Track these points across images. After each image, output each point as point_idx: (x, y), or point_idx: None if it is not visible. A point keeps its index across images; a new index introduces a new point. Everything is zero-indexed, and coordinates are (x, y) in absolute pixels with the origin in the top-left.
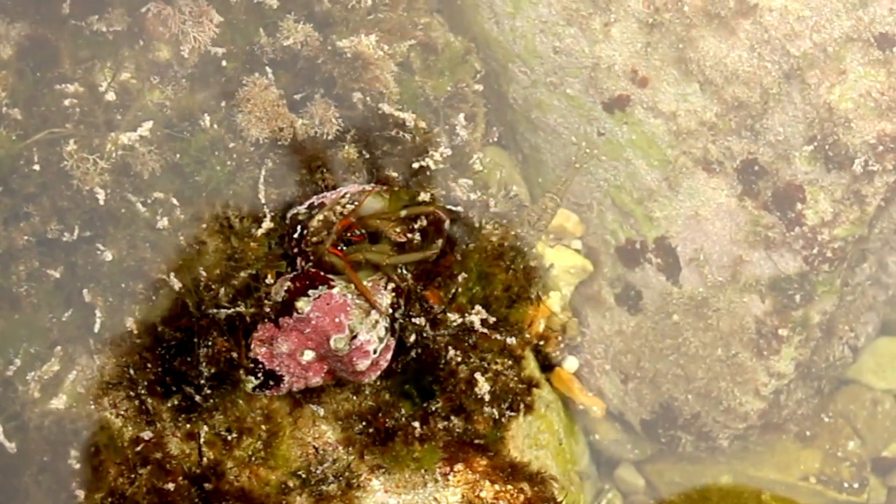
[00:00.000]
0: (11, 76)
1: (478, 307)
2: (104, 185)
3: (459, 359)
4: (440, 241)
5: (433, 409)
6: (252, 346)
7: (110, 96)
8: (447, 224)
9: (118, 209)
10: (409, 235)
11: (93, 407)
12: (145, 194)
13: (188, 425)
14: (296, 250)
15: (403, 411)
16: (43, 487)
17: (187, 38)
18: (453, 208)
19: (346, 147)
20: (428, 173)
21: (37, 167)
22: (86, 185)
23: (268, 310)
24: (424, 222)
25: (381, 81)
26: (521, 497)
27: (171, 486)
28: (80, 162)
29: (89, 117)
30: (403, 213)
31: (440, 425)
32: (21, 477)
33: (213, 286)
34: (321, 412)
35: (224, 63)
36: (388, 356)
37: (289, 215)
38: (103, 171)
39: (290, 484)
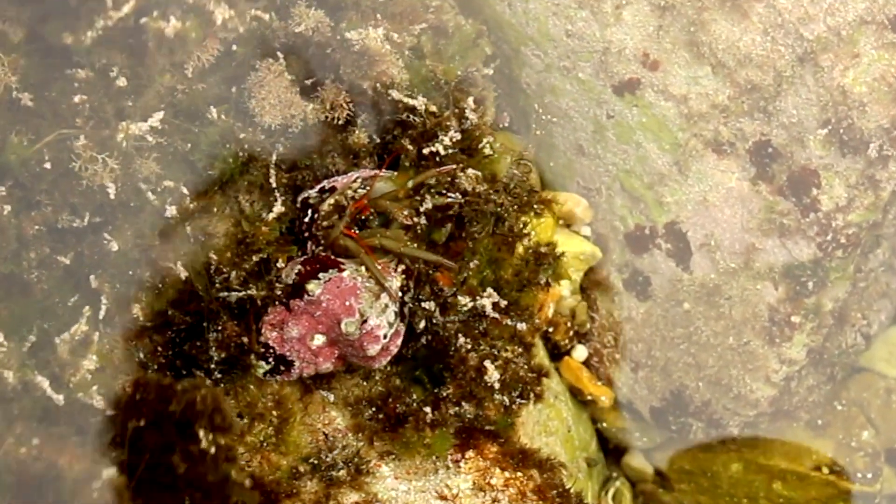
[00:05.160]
0: (22, 59)
1: (489, 290)
2: (115, 179)
3: (469, 346)
4: (449, 226)
5: (444, 394)
6: (263, 330)
7: (121, 82)
8: (456, 208)
9: (128, 201)
10: (416, 220)
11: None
12: (155, 184)
13: None
14: (306, 234)
15: (415, 396)
16: None
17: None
18: (453, 198)
19: (357, 132)
20: (438, 158)
21: (48, 165)
22: (96, 183)
23: (278, 292)
24: (430, 205)
25: (389, 76)
26: (531, 484)
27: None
28: (88, 162)
29: (99, 112)
30: (410, 183)
31: (451, 411)
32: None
33: (225, 269)
34: (331, 398)
35: (234, 48)
36: (399, 342)
37: (300, 199)
38: (113, 170)
39: (301, 469)
